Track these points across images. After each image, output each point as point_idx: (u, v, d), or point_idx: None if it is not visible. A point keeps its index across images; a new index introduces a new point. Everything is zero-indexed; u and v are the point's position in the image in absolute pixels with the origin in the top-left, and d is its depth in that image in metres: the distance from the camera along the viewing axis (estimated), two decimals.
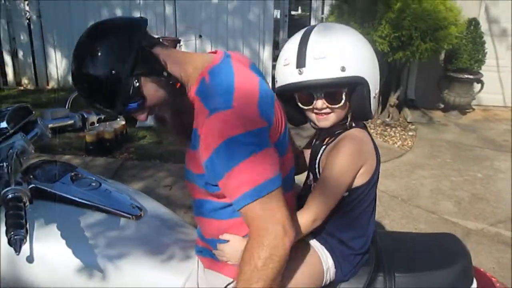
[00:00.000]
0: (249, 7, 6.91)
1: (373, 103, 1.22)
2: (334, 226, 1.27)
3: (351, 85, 1.18)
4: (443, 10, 4.87)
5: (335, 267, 1.27)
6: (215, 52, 1.23)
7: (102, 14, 7.21)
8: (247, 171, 1.03)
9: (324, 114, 1.21)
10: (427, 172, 4.20)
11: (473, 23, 5.78)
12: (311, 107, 1.21)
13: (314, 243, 1.29)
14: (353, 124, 1.24)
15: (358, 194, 1.23)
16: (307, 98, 1.21)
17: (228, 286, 1.25)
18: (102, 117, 1.55)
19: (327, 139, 1.27)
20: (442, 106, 6.27)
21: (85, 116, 1.48)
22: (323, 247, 1.28)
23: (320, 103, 1.19)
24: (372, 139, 1.26)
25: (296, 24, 13.72)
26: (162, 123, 1.26)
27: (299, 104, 1.24)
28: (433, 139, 5.18)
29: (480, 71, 5.89)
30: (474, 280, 1.29)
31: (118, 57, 1.06)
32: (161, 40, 1.18)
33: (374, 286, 1.24)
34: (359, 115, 1.23)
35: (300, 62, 1.15)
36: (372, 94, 1.20)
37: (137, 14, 7.15)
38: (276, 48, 7.15)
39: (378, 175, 1.27)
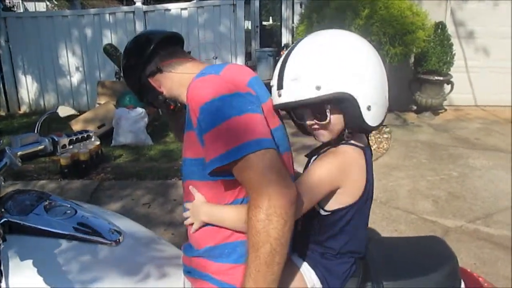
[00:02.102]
0: (220, 20, 6.95)
1: (369, 114, 1.13)
2: (316, 241, 1.24)
3: (334, 101, 1.12)
4: (410, 15, 5.00)
5: (321, 283, 1.23)
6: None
7: (72, 33, 7.14)
8: (230, 130, 1.00)
9: (318, 129, 1.18)
10: (404, 173, 4.26)
11: (440, 26, 5.94)
12: (304, 123, 1.20)
13: (296, 260, 1.25)
14: (351, 141, 1.19)
15: (341, 216, 1.19)
16: (296, 119, 1.22)
17: None
18: (74, 138, 1.50)
19: (321, 150, 1.24)
20: (415, 107, 6.40)
21: (56, 140, 1.42)
22: (306, 264, 1.24)
23: (308, 121, 1.17)
24: (368, 164, 1.20)
25: (268, 33, 13.88)
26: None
27: (296, 120, 1.23)
28: (408, 141, 5.26)
29: (450, 73, 6.04)
30: (462, 282, 1.30)
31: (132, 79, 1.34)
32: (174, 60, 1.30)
33: None
34: (354, 127, 1.17)
35: (279, 84, 1.14)
36: (366, 105, 1.12)
37: (107, 32, 7.11)
38: (249, 58, 7.21)
39: (369, 201, 1.22)
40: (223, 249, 1.17)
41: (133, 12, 7.11)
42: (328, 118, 1.14)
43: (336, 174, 1.14)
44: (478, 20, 6.43)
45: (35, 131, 1.50)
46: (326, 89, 1.08)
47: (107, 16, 7.16)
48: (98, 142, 4.46)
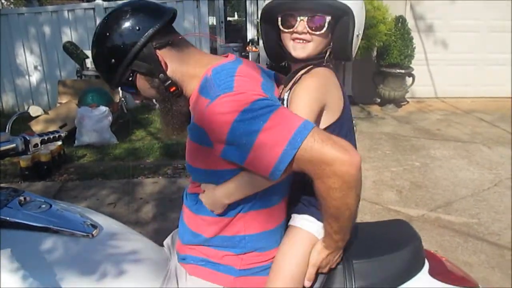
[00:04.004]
0: (183, 16, 6.87)
1: (355, 42, 1.19)
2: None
3: (337, 14, 1.15)
4: (371, 9, 5.09)
5: None
6: (227, 56, 1.22)
7: (29, 31, 6.90)
8: (271, 135, 0.99)
9: (302, 41, 1.17)
10: (369, 164, 4.35)
11: (400, 20, 6.08)
12: (291, 30, 1.17)
13: (297, 221, 1.25)
14: (328, 63, 1.22)
15: (330, 133, 1.20)
16: (289, 20, 1.17)
17: None
18: (46, 138, 1.51)
19: (290, 85, 1.22)
20: (379, 100, 6.54)
21: (27, 139, 1.43)
22: (307, 217, 1.23)
23: (301, 26, 1.16)
24: (340, 84, 1.22)
25: (233, 29, 13.87)
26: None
27: (280, 27, 1.19)
28: (372, 133, 5.38)
29: (411, 66, 6.20)
30: (426, 261, 1.35)
31: (121, 49, 1.12)
32: (180, 37, 1.20)
33: (334, 276, 1.26)
34: (339, 50, 1.20)
35: None
36: (356, 32, 1.17)
37: (66, 29, 6.92)
38: (215, 54, 7.18)
39: (350, 118, 1.24)
40: (222, 241, 1.20)
41: (93, 8, 6.92)
42: (324, 29, 1.15)
43: (320, 93, 1.15)
44: (436, 14, 6.62)
45: (6, 131, 1.52)
46: None
47: (66, 13, 6.95)
48: (60, 143, 4.33)
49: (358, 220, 3.57)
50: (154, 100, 1.23)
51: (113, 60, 1.14)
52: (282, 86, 1.28)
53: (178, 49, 1.17)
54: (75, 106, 5.46)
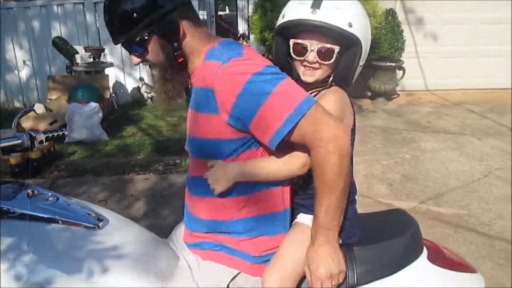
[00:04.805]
0: None
1: (357, 72, 1.30)
2: None
3: (347, 45, 1.24)
4: (361, 2, 5.08)
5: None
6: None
7: (18, 26, 6.83)
8: (280, 99, 1.07)
9: (312, 68, 1.27)
10: (360, 158, 4.36)
11: (391, 13, 6.10)
12: (302, 58, 1.27)
13: (305, 219, 1.31)
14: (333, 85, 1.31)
15: None
16: (301, 50, 1.27)
17: (234, 280, 1.22)
18: (50, 135, 1.56)
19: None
20: (370, 94, 6.56)
21: (33, 135, 1.48)
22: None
23: (312, 56, 1.25)
24: (351, 102, 1.33)
25: (224, 23, 13.79)
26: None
27: (292, 54, 1.29)
28: (363, 126, 5.39)
29: (401, 59, 6.23)
30: (424, 248, 1.39)
31: (146, 6, 1.11)
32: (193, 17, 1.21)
33: None
34: (341, 77, 1.29)
35: (316, 4, 1.22)
36: (360, 62, 1.28)
37: (55, 24, 6.84)
38: None
39: (354, 134, 1.33)
40: (233, 225, 1.24)
41: (83, 3, 6.87)
42: (333, 59, 1.25)
43: (341, 106, 1.25)
44: (426, 7, 6.63)
45: (12, 127, 1.60)
46: (354, 29, 1.21)
47: (55, 7, 6.88)
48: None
49: None
50: (149, 66, 1.24)
51: (135, 14, 1.11)
52: None
53: (195, 24, 1.20)
54: (65, 102, 5.42)
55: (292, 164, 1.21)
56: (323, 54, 1.24)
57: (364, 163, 4.25)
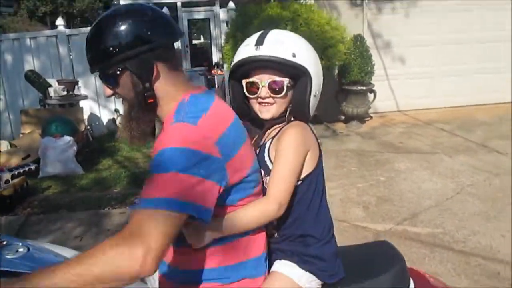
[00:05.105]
0: None
1: (312, 102, 1.32)
2: (292, 236, 1.31)
3: (296, 75, 1.29)
4: (330, 29, 5.24)
5: (315, 274, 1.29)
6: (200, 88, 1.28)
7: None
8: (151, 183, 1.03)
9: (267, 104, 1.31)
10: (335, 182, 4.42)
11: (359, 39, 6.28)
12: (256, 95, 1.31)
13: (280, 268, 1.30)
14: (292, 119, 1.34)
15: (310, 181, 1.30)
16: (253, 87, 1.32)
17: None
18: (16, 172, 1.50)
19: (271, 134, 1.35)
20: (343, 118, 6.68)
21: None
22: (288, 264, 1.30)
23: (264, 91, 1.30)
24: (314, 133, 1.35)
25: (200, 52, 13.92)
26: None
27: (246, 94, 1.34)
28: (338, 150, 5.48)
29: (372, 82, 6.39)
30: (411, 281, 1.41)
31: (123, 42, 1.12)
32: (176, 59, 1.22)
33: None
34: (297, 109, 1.32)
35: (259, 42, 1.29)
36: (313, 92, 1.30)
37: (28, 57, 6.81)
38: None
39: (322, 164, 1.35)
40: (209, 274, 1.21)
41: (56, 36, 6.87)
42: (284, 92, 1.29)
43: (303, 142, 1.28)
44: (393, 31, 6.87)
45: None
46: (299, 59, 1.27)
47: (28, 40, 6.86)
48: (22, 175, 4.22)
49: None
50: (121, 100, 1.24)
51: (111, 48, 1.12)
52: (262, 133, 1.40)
53: (172, 69, 1.20)
54: (39, 136, 5.35)
55: (266, 211, 1.21)
56: (274, 88, 1.29)
57: (340, 187, 4.30)
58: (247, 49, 1.30)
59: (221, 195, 1.12)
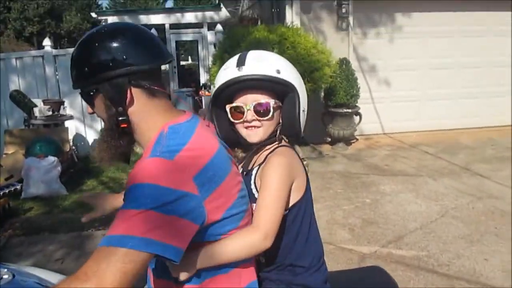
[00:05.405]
0: None
1: (302, 117, 1.28)
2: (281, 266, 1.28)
3: (283, 92, 1.25)
4: (316, 53, 5.33)
5: None
6: (184, 112, 1.22)
7: None
8: (118, 219, 0.98)
9: (254, 127, 1.27)
10: (321, 204, 4.42)
11: (344, 62, 6.39)
12: (241, 120, 1.27)
13: None
14: (282, 141, 1.30)
15: (298, 210, 1.26)
16: (238, 113, 1.28)
17: None
18: (1, 193, 1.47)
19: (259, 160, 1.30)
20: (329, 139, 6.74)
21: None
22: None
23: (250, 115, 1.25)
24: (300, 158, 1.31)
25: (188, 73, 14.02)
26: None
27: (231, 119, 1.29)
28: (324, 172, 5.50)
29: (357, 105, 6.48)
30: None
31: (97, 65, 1.11)
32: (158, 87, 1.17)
33: None
34: (288, 127, 1.29)
35: (240, 63, 1.24)
36: (302, 107, 1.27)
37: (14, 77, 6.76)
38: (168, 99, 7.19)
39: (311, 193, 1.31)
40: None
41: (42, 56, 6.85)
42: (270, 113, 1.25)
43: (289, 171, 1.23)
44: (377, 55, 7.02)
45: None
46: (283, 75, 1.24)
47: (13, 60, 6.82)
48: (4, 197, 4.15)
49: None
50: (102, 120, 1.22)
51: (86, 68, 1.12)
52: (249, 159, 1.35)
53: (150, 97, 1.15)
54: (22, 156, 5.27)
55: (253, 242, 1.15)
56: (259, 110, 1.25)
57: (326, 209, 4.30)
58: (227, 72, 1.26)
59: (202, 230, 1.07)
